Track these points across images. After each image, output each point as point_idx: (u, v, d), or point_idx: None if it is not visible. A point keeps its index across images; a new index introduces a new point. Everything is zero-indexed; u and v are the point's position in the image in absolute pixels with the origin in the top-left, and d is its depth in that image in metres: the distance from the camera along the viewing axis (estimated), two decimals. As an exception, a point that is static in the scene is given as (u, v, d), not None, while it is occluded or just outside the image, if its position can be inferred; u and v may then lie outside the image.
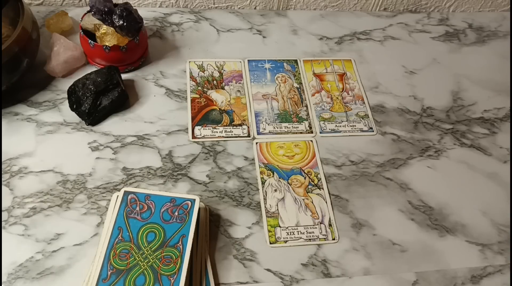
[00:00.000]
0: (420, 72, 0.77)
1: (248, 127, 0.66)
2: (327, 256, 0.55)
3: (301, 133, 0.66)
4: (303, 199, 0.59)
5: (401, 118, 0.70)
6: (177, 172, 0.60)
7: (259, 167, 0.62)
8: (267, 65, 0.74)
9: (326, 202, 0.59)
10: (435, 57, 0.79)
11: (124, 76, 0.69)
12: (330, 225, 0.57)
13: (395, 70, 0.77)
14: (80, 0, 0.78)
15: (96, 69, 0.67)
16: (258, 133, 0.65)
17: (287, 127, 0.66)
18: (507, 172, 0.65)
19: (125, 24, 0.64)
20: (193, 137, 0.64)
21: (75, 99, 0.62)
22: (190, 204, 0.52)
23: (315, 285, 0.52)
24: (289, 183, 0.61)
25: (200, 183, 0.59)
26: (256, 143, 0.64)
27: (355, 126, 0.68)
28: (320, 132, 0.67)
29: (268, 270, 0.53)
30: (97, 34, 0.66)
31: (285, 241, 0.55)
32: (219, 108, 0.67)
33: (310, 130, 0.67)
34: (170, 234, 0.50)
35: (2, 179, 0.57)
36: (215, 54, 0.75)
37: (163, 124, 0.65)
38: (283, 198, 0.59)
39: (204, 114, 0.66)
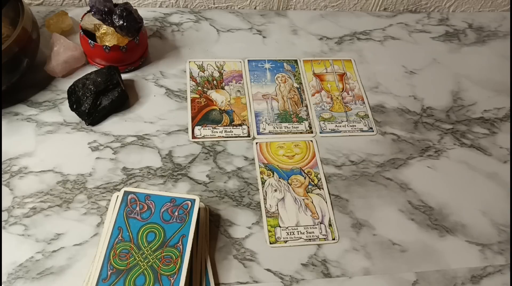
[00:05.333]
0: (420, 72, 0.77)
1: (248, 127, 0.66)
2: (327, 256, 0.55)
3: (301, 133, 0.66)
4: (303, 199, 0.59)
5: (401, 118, 0.70)
6: (177, 172, 0.60)
7: (259, 167, 0.62)
8: (267, 65, 0.74)
9: (326, 202, 0.59)
10: (435, 57, 0.79)
11: (124, 76, 0.69)
12: (330, 225, 0.57)
13: (395, 70, 0.77)
14: (80, 0, 0.78)
15: (96, 69, 0.67)
16: (258, 133, 0.65)
17: (287, 127, 0.66)
18: (507, 172, 0.65)
19: (125, 24, 0.64)
20: (193, 137, 0.64)
21: (75, 99, 0.62)
22: (190, 204, 0.52)
23: (315, 285, 0.52)
24: (289, 183, 0.61)
25: (200, 183, 0.59)
26: (256, 143, 0.64)
27: (355, 126, 0.68)
28: (320, 132, 0.67)
29: (268, 270, 0.53)
30: (97, 34, 0.66)
31: (285, 241, 0.55)
32: (219, 108, 0.67)
33: (310, 130, 0.67)
34: (170, 234, 0.50)
35: (2, 179, 0.57)
36: (215, 54, 0.75)
37: (163, 124, 0.65)
38: (283, 198, 0.59)
39: (204, 114, 0.66)
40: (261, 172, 0.61)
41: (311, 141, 0.65)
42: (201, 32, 0.78)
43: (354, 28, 0.82)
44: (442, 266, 0.55)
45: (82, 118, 0.63)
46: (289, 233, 0.56)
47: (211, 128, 0.65)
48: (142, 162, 0.60)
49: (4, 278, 0.49)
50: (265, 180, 0.60)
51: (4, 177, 0.57)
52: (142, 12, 0.70)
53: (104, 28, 0.66)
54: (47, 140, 0.61)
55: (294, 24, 0.82)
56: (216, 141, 0.64)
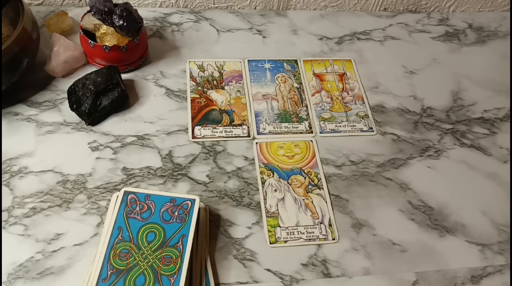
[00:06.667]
0: (420, 72, 0.77)
1: (248, 127, 0.66)
2: (327, 256, 0.55)
3: (301, 133, 0.66)
4: (303, 199, 0.59)
5: (401, 118, 0.70)
6: (177, 172, 0.60)
7: (259, 167, 0.62)
8: (267, 65, 0.74)
9: (326, 202, 0.59)
10: (435, 57, 0.79)
11: (124, 76, 0.69)
12: (330, 225, 0.57)
13: (395, 70, 0.77)
14: (80, 0, 0.78)
15: (96, 69, 0.67)
16: (258, 133, 0.65)
17: (287, 127, 0.66)
18: (507, 172, 0.65)
19: (125, 24, 0.64)
20: (193, 137, 0.64)
21: (75, 99, 0.62)
22: (190, 204, 0.52)
23: (315, 285, 0.52)
24: (289, 183, 0.61)
25: (200, 183, 0.59)
26: (256, 143, 0.64)
27: (355, 126, 0.68)
28: (320, 132, 0.67)
29: (268, 270, 0.53)
30: (97, 34, 0.66)
31: (285, 241, 0.55)
32: (219, 108, 0.67)
33: (310, 130, 0.67)
34: (170, 234, 0.50)
35: (2, 179, 0.57)
36: (215, 54, 0.75)
37: (163, 124, 0.65)
38: (283, 198, 0.59)
39: (204, 114, 0.66)
40: (261, 172, 0.61)
41: (311, 141, 0.65)
42: (201, 32, 0.78)
43: (354, 28, 0.82)
44: (442, 266, 0.55)
45: (82, 118, 0.63)
46: (289, 233, 0.56)
47: (211, 128, 0.65)
48: (142, 162, 0.60)
49: (4, 278, 0.49)
50: (265, 180, 0.60)
51: (4, 177, 0.57)
52: (142, 12, 0.70)
53: (104, 28, 0.66)
54: (47, 140, 0.61)
55: (294, 24, 0.82)
56: (216, 141, 0.64)
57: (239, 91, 0.70)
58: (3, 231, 0.53)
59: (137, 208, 0.51)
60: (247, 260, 0.53)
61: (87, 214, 0.55)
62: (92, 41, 0.65)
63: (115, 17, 0.64)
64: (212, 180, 0.60)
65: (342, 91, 0.72)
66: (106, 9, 0.64)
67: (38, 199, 0.55)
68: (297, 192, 0.60)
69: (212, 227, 0.55)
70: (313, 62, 0.76)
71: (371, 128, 0.68)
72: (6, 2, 0.63)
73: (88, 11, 0.67)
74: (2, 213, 0.54)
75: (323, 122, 0.68)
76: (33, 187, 0.56)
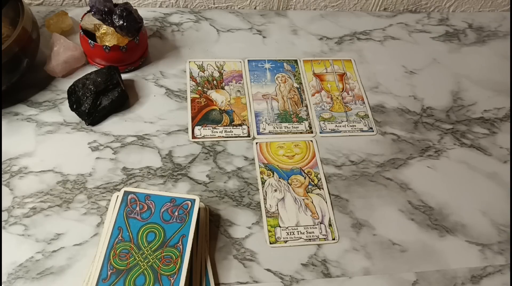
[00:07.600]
0: (420, 72, 0.77)
1: (248, 127, 0.66)
2: (327, 256, 0.55)
3: (301, 133, 0.66)
4: (303, 199, 0.59)
5: (401, 118, 0.70)
6: (177, 172, 0.60)
7: (259, 167, 0.62)
8: (267, 65, 0.74)
9: (326, 202, 0.59)
10: (435, 57, 0.79)
11: (124, 76, 0.69)
12: (330, 225, 0.57)
13: (395, 70, 0.77)
14: (80, 0, 0.78)
15: (96, 69, 0.67)
16: (258, 133, 0.65)
17: (287, 127, 0.66)
18: (507, 172, 0.65)
19: (125, 24, 0.64)
20: (193, 137, 0.64)
21: (75, 99, 0.62)
22: (190, 204, 0.52)
23: (315, 285, 0.52)
24: (289, 183, 0.61)
25: (200, 183, 0.59)
26: (256, 143, 0.64)
27: (355, 126, 0.68)
28: (320, 132, 0.67)
29: (268, 270, 0.53)
30: (97, 34, 0.66)
31: (285, 241, 0.55)
32: (219, 108, 0.67)
33: (310, 130, 0.67)
34: (170, 234, 0.50)
35: (2, 179, 0.57)
36: (215, 54, 0.75)
37: (163, 124, 0.65)
38: (283, 198, 0.59)
39: (204, 114, 0.66)
40: (261, 172, 0.61)
41: (311, 141, 0.65)
42: (201, 32, 0.78)
43: (354, 28, 0.82)
44: (442, 266, 0.55)
45: (82, 118, 0.63)
46: (289, 233, 0.56)
47: (211, 128, 0.65)
48: (142, 162, 0.60)
49: (4, 278, 0.49)
50: (265, 180, 0.60)
51: (4, 177, 0.57)
52: (142, 12, 0.70)
53: (104, 28, 0.66)
54: (47, 140, 0.61)
55: (294, 24, 0.82)
56: (216, 141, 0.64)
57: (239, 91, 0.70)
58: (3, 231, 0.53)
59: (137, 208, 0.51)
60: (247, 260, 0.53)
61: (87, 214, 0.55)
62: (92, 41, 0.65)
63: (115, 17, 0.64)
64: (212, 180, 0.60)
65: (342, 91, 0.72)
66: (106, 9, 0.64)
67: (38, 199, 0.55)
68: (297, 192, 0.60)
69: (212, 227, 0.55)
70: (313, 62, 0.76)
71: (371, 128, 0.68)
72: (6, 2, 0.63)
73: (88, 11, 0.67)
74: (2, 213, 0.54)
75: (323, 122, 0.68)
76: (33, 187, 0.56)
